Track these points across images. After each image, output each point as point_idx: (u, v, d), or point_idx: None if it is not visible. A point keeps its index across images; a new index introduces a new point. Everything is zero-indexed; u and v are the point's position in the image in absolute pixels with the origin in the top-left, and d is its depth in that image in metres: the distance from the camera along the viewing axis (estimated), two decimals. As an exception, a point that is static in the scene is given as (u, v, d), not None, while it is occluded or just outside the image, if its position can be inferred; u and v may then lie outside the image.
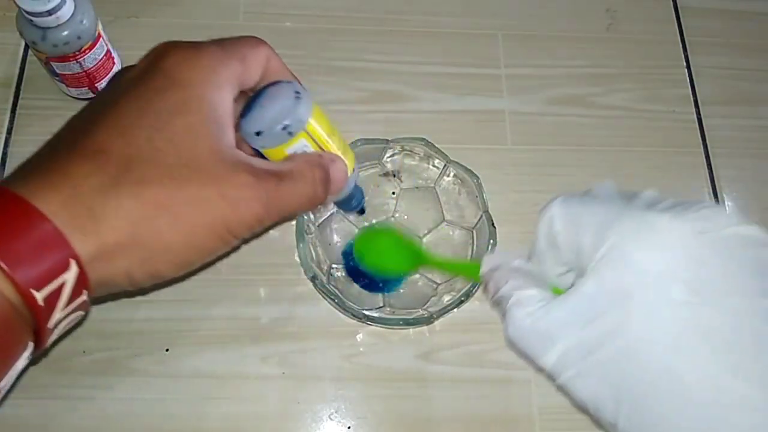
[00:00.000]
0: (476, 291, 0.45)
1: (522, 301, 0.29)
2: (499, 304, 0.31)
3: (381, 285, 0.50)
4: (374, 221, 0.52)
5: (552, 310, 0.27)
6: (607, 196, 0.30)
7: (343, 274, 0.50)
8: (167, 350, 0.48)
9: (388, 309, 0.47)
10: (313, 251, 0.47)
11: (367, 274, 0.49)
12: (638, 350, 0.25)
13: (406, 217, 0.52)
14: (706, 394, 0.24)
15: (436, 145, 0.48)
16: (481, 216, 0.48)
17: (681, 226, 0.26)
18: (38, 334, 0.28)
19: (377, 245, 0.49)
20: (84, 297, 0.28)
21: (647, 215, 0.26)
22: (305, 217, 0.46)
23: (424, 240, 0.51)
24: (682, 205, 0.27)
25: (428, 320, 0.45)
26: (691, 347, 0.24)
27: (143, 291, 0.49)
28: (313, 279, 0.45)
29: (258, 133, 0.33)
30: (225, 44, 0.33)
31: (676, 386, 0.24)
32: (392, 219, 0.52)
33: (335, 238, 0.51)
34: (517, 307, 0.29)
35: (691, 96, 0.61)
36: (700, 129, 0.60)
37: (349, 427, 0.47)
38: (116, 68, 0.53)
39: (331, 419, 0.47)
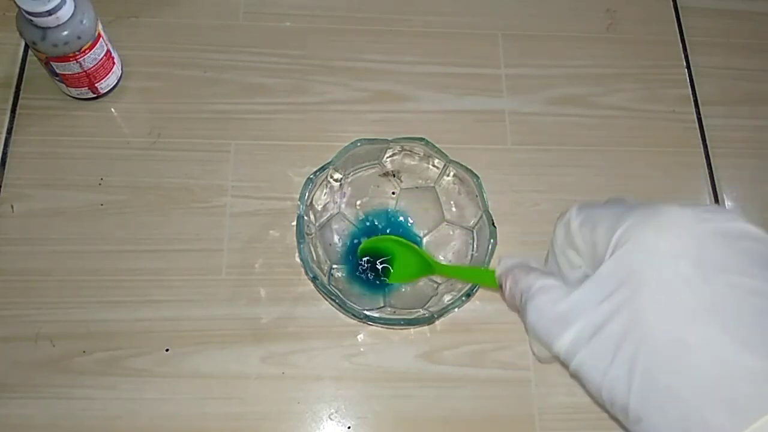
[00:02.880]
0: (477, 290, 0.45)
1: (546, 288, 0.30)
2: (518, 297, 0.32)
3: (382, 285, 0.50)
4: (376, 222, 0.52)
5: (571, 294, 0.28)
6: (621, 202, 0.31)
7: (344, 274, 0.50)
8: (167, 350, 0.48)
9: (389, 309, 0.47)
10: (313, 252, 0.47)
11: (369, 277, 0.50)
12: (648, 322, 0.26)
13: (402, 218, 0.52)
14: (714, 365, 0.24)
15: (436, 145, 0.48)
16: (482, 215, 0.48)
17: (688, 213, 0.27)
18: None
19: (384, 254, 0.49)
20: None
21: (656, 205, 0.28)
22: (306, 217, 0.46)
23: (425, 240, 0.51)
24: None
25: (429, 320, 0.45)
26: (701, 320, 0.25)
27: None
28: (314, 279, 0.45)
29: None
30: None
31: (685, 357, 0.25)
32: (393, 218, 0.52)
33: (335, 238, 0.51)
34: (541, 293, 0.30)
35: (691, 96, 0.61)
36: (700, 129, 0.60)
37: (349, 427, 0.47)
38: (116, 68, 0.53)
39: (331, 419, 0.47)
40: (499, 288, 0.35)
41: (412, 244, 0.47)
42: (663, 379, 0.25)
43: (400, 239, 0.48)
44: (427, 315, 0.45)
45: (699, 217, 0.27)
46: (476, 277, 0.44)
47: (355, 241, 0.51)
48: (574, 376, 0.28)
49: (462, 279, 0.47)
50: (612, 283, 0.27)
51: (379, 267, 0.49)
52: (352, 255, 0.50)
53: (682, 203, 0.28)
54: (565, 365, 0.29)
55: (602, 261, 0.28)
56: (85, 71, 0.50)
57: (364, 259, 0.49)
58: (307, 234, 0.47)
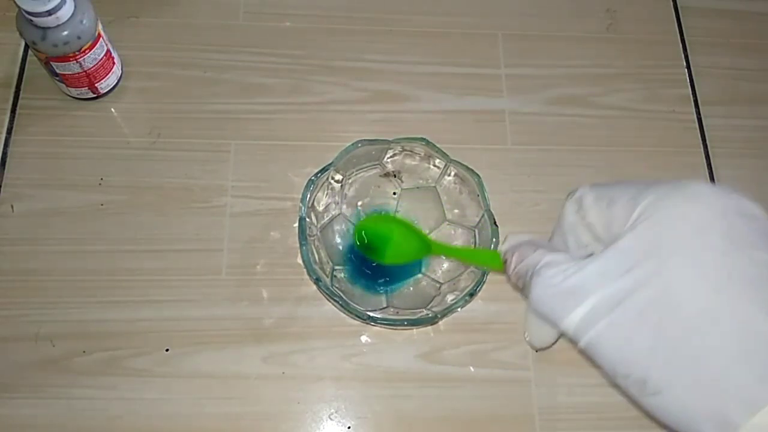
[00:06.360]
0: (480, 290, 0.45)
1: (552, 263, 0.29)
2: (524, 274, 0.31)
3: (382, 283, 0.50)
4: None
5: (580, 269, 0.28)
6: (630, 182, 0.31)
7: (346, 275, 0.50)
8: (167, 350, 0.48)
9: (392, 309, 0.47)
10: (315, 253, 0.47)
11: (369, 269, 0.49)
12: (676, 293, 0.25)
13: (407, 215, 0.52)
14: (743, 334, 0.24)
15: (437, 145, 0.48)
16: (483, 215, 0.48)
17: (713, 189, 0.27)
18: None
19: (382, 234, 0.47)
20: None
21: (679, 180, 0.28)
22: (308, 219, 0.46)
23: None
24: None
25: (432, 320, 0.45)
26: (729, 291, 0.25)
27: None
28: (317, 281, 0.45)
29: None
30: None
31: (713, 327, 0.25)
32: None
33: (338, 239, 0.51)
34: (547, 268, 0.29)
35: (691, 96, 0.61)
36: (700, 129, 0.60)
37: (349, 427, 0.47)
38: (116, 68, 0.53)
39: (331, 419, 0.47)
40: (504, 266, 0.34)
41: (410, 223, 0.46)
42: (690, 349, 0.25)
43: (399, 218, 0.47)
44: (430, 315, 0.45)
45: (723, 193, 0.27)
46: (478, 257, 0.42)
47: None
48: (584, 351, 0.28)
49: (462, 260, 0.46)
50: (634, 256, 0.27)
51: (374, 248, 0.47)
52: (353, 254, 0.50)
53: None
54: (573, 341, 0.28)
55: (618, 236, 0.28)
56: (85, 71, 0.50)
57: (361, 238, 0.47)
58: (309, 235, 0.47)
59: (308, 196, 0.46)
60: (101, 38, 0.50)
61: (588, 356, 0.28)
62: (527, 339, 0.36)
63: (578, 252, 0.32)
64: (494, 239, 0.46)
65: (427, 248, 0.44)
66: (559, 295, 0.28)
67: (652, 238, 0.27)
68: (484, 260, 0.39)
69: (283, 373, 0.48)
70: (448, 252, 0.44)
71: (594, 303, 0.27)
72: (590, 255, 0.31)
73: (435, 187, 0.51)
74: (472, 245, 0.49)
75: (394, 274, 0.50)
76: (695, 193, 0.27)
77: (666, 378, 0.26)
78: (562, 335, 0.31)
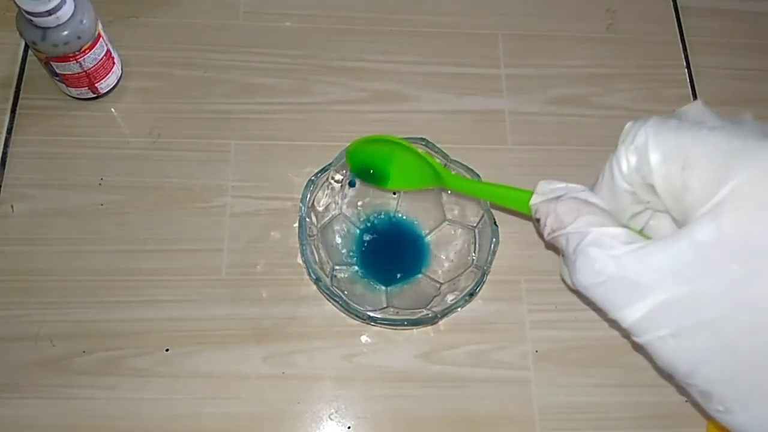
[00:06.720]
0: (480, 290, 0.45)
1: (604, 241, 0.24)
2: (563, 243, 0.26)
3: (385, 284, 0.50)
4: (377, 222, 0.52)
5: (649, 255, 0.23)
6: (705, 120, 0.25)
7: (346, 275, 0.50)
8: (167, 350, 0.48)
9: (392, 309, 0.47)
10: (315, 253, 0.47)
11: (383, 263, 0.49)
12: (760, 310, 0.21)
13: (407, 216, 0.52)
14: None
15: (437, 145, 0.48)
16: (483, 215, 0.48)
17: None
18: None
19: (381, 154, 0.41)
20: None
21: None
22: (308, 219, 0.46)
23: (427, 239, 0.51)
24: None
25: (432, 320, 0.45)
26: None
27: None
28: (318, 282, 0.45)
29: None
30: None
31: None
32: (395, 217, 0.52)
33: (338, 239, 0.51)
34: (596, 248, 0.24)
35: (691, 96, 0.61)
36: (700, 129, 0.60)
37: (349, 427, 0.47)
38: (116, 68, 0.53)
39: (331, 419, 0.47)
40: (534, 221, 0.28)
41: (415, 148, 0.39)
42: None
43: (400, 140, 0.39)
44: (430, 315, 0.45)
45: None
46: (503, 197, 0.32)
47: (359, 242, 0.51)
48: (641, 346, 0.24)
49: (483, 197, 0.40)
50: (716, 255, 0.22)
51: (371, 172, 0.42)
52: (354, 250, 0.50)
53: None
54: (628, 334, 0.24)
55: (694, 211, 0.22)
56: (85, 71, 0.50)
57: (357, 162, 0.43)
58: (309, 236, 0.47)
59: (308, 196, 0.46)
60: (101, 38, 0.50)
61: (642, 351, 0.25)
62: (564, 279, 0.29)
63: (632, 208, 0.26)
64: (494, 239, 0.46)
65: (437, 177, 0.38)
66: (613, 284, 0.23)
67: (742, 235, 0.21)
68: (513, 202, 0.31)
69: (283, 373, 0.48)
70: (464, 186, 0.36)
71: (658, 303, 0.22)
72: (641, 231, 0.25)
73: (435, 187, 0.51)
74: (473, 245, 0.49)
75: (408, 266, 0.50)
76: None
77: (739, 402, 0.23)
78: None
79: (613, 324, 0.24)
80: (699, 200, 0.22)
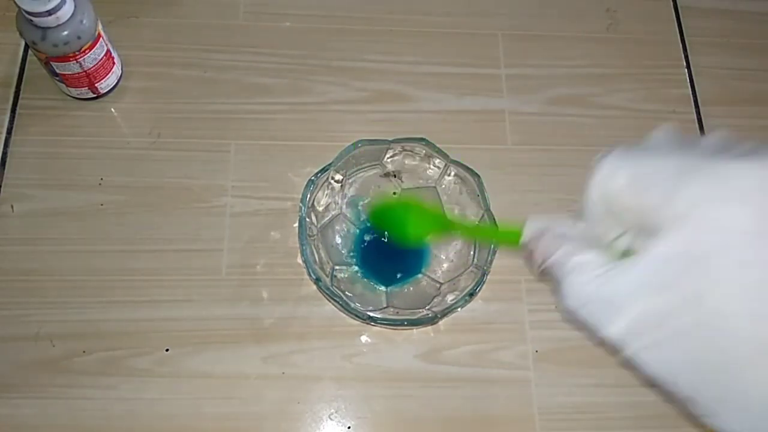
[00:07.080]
0: (480, 290, 0.45)
1: (582, 267, 0.27)
2: (549, 273, 0.28)
3: (385, 284, 0.50)
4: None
5: (619, 275, 0.25)
6: (667, 145, 0.27)
7: (346, 275, 0.50)
8: (167, 350, 0.48)
9: (392, 309, 0.47)
10: (315, 253, 0.47)
11: (384, 262, 0.50)
12: (722, 317, 0.23)
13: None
14: None
15: (437, 145, 0.48)
16: (483, 215, 0.48)
17: (762, 174, 0.23)
18: None
19: (397, 213, 0.47)
20: None
21: (723, 166, 0.24)
22: (308, 219, 0.46)
23: (427, 239, 0.51)
24: (756, 150, 0.25)
25: (432, 320, 0.45)
26: None
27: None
28: (318, 282, 0.45)
29: None
30: None
31: (763, 359, 0.22)
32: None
33: (338, 239, 0.51)
34: (576, 274, 0.27)
35: (691, 96, 0.61)
36: (700, 129, 0.60)
37: (349, 427, 0.47)
38: (116, 68, 0.53)
39: (331, 419, 0.47)
40: (524, 253, 0.31)
41: (423, 205, 0.47)
42: (739, 378, 0.23)
43: (410, 201, 0.47)
44: (430, 315, 0.45)
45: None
46: (501, 236, 0.41)
47: (358, 242, 0.51)
48: (628, 361, 0.26)
49: (484, 239, 0.46)
50: (676, 266, 0.23)
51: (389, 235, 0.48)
52: (354, 250, 0.50)
53: (751, 158, 0.24)
54: (616, 350, 0.26)
55: (656, 229, 0.24)
56: (85, 71, 0.50)
57: (378, 220, 0.49)
58: (309, 236, 0.47)
59: (308, 196, 0.46)
60: (101, 38, 0.50)
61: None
62: (557, 307, 0.34)
63: (610, 233, 0.28)
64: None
65: (449, 225, 0.45)
66: (594, 304, 0.26)
67: (692, 247, 0.23)
68: (509, 240, 0.35)
69: (283, 373, 0.48)
70: (470, 230, 0.45)
71: (634, 317, 0.24)
72: (625, 251, 0.28)
73: (435, 187, 0.51)
74: (473, 245, 0.49)
75: (408, 266, 0.50)
76: (741, 187, 0.23)
77: (716, 406, 0.24)
78: None
79: (603, 342, 0.26)
80: (657, 217, 0.24)
